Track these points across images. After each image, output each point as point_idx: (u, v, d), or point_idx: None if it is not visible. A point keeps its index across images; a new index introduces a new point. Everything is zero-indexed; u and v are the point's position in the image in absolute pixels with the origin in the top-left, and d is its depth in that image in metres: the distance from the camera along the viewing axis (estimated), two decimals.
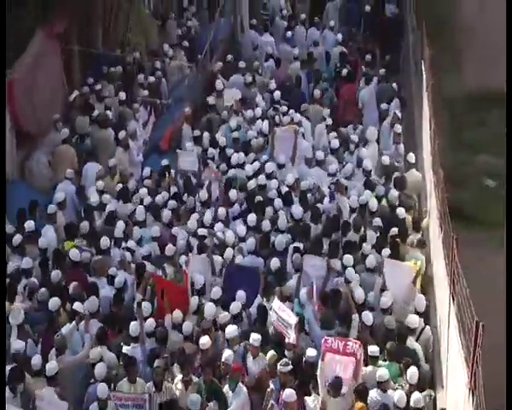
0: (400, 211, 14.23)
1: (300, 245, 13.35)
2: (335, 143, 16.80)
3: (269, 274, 12.80)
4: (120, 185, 14.98)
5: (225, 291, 12.35)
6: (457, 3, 25.68)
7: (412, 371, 10.62)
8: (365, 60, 20.19)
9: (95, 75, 18.43)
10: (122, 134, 16.23)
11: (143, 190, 14.80)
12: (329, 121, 17.70)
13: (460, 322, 9.55)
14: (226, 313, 11.83)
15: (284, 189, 14.97)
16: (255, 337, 11.10)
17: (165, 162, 15.76)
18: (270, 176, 15.29)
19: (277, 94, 18.55)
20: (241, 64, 19.80)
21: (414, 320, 11.80)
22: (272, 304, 11.71)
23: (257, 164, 15.69)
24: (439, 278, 12.24)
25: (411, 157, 15.78)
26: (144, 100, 17.76)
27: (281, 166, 15.77)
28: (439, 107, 16.09)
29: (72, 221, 14.11)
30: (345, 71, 19.91)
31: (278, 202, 14.50)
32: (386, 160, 15.97)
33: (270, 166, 15.52)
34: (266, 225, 13.80)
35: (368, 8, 23.18)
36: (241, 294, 12.19)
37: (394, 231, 13.63)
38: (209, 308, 11.88)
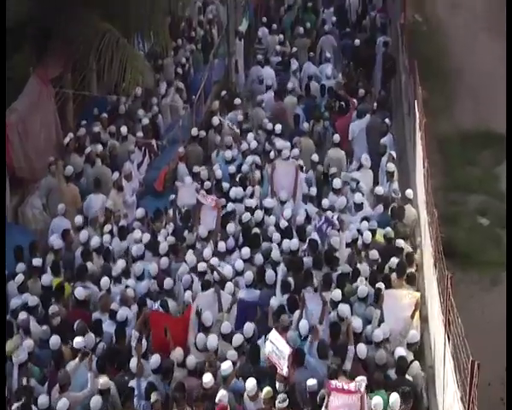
0: (399, 242, 14.30)
1: (290, 279, 13.32)
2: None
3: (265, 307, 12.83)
4: (110, 226, 14.96)
5: (237, 328, 12.40)
6: (448, 45, 26.00)
7: (395, 397, 10.60)
8: (358, 94, 20.28)
9: (89, 118, 18.51)
10: (116, 175, 16.31)
11: (137, 231, 14.78)
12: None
13: (455, 361, 9.58)
14: (234, 351, 11.85)
15: (283, 223, 14.95)
16: (250, 387, 11.03)
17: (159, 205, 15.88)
18: (268, 211, 15.34)
19: (277, 128, 18.54)
20: (237, 101, 19.95)
21: (401, 351, 11.83)
22: (269, 335, 11.66)
23: (254, 200, 15.71)
24: (433, 316, 12.28)
25: (409, 193, 15.81)
26: (139, 141, 17.84)
27: (282, 203, 15.80)
28: (432, 147, 16.21)
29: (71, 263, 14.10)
30: (338, 104, 20.12)
31: (276, 237, 14.52)
32: (380, 190, 16.01)
33: (269, 203, 15.56)
34: (259, 258, 13.83)
35: (357, 41, 23.41)
36: (248, 327, 12.20)
37: (393, 262, 13.68)
38: (212, 340, 11.89)
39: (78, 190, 16.38)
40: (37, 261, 13.64)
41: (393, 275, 13.49)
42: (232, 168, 16.81)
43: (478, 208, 18.39)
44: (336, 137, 18.15)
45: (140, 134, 18.11)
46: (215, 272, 13.47)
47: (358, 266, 13.72)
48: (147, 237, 14.42)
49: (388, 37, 24.08)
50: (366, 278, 13.35)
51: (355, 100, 19.77)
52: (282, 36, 24.43)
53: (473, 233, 17.61)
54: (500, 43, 25.43)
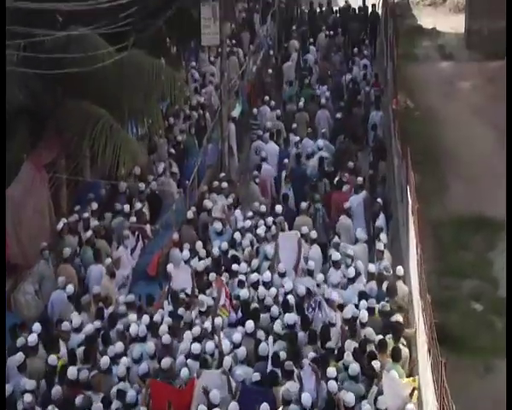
0: (396, 317, 14.38)
1: (281, 353, 13.29)
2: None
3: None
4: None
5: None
6: (441, 131, 26.32)
7: None
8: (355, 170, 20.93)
9: (83, 203, 18.58)
10: (108, 261, 16.29)
11: (132, 314, 14.72)
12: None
13: None
14: None
15: (282, 296, 15.05)
16: None
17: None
18: (266, 285, 15.37)
19: (278, 208, 18.87)
20: (224, 185, 20.15)
21: None
22: None
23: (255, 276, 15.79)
24: (428, 403, 12.17)
25: (400, 270, 15.90)
26: (132, 226, 17.87)
27: (283, 276, 15.83)
28: (425, 231, 16.25)
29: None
30: (334, 180, 20.62)
31: (274, 310, 14.54)
32: (372, 267, 16.11)
33: (267, 277, 15.59)
34: (259, 332, 13.93)
35: (339, 115, 24.37)
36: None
37: (376, 338, 13.68)
38: None
39: (74, 270, 16.42)
40: (32, 338, 13.54)
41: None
42: (225, 244, 16.95)
43: (471, 294, 18.33)
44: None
45: (133, 219, 18.14)
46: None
47: (347, 342, 13.74)
48: (146, 318, 14.36)
49: (380, 111, 24.78)
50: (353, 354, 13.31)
51: (346, 174, 20.36)
52: (279, 111, 25.13)
53: (466, 319, 17.52)
54: (492, 130, 25.82)
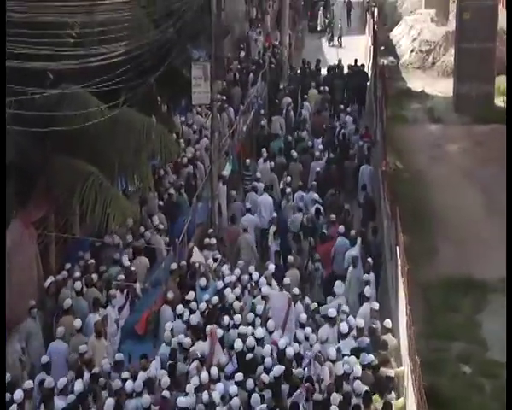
0: (386, 371, 14.54)
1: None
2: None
3: None
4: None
5: None
6: (430, 193, 26.46)
7: None
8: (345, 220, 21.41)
9: (72, 261, 18.51)
10: (96, 319, 16.15)
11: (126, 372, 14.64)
12: None
13: None
14: None
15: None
16: None
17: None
18: (259, 341, 15.43)
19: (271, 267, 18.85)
20: (212, 241, 20.30)
21: None
22: None
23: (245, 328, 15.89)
24: None
25: (388, 323, 16.04)
26: (121, 284, 17.78)
27: (271, 332, 15.97)
28: (414, 293, 16.24)
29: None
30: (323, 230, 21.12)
31: (268, 361, 14.70)
32: (361, 323, 16.13)
33: (260, 333, 15.65)
34: (250, 383, 14.12)
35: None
36: None
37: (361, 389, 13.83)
38: None
39: (73, 319, 16.43)
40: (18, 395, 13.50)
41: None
42: (215, 298, 17.03)
43: (460, 356, 18.27)
44: None
45: (121, 277, 18.06)
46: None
47: (333, 395, 13.83)
48: (143, 374, 14.32)
49: (370, 165, 25.26)
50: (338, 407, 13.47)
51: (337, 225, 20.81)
52: (272, 163, 25.46)
53: (455, 381, 17.46)
54: (480, 194, 26.00)
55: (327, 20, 50.40)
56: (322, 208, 22.39)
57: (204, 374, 14.22)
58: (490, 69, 35.72)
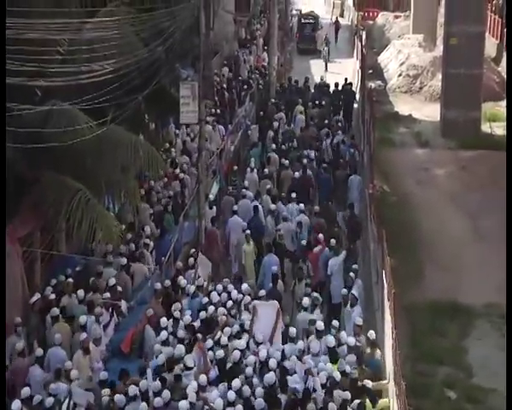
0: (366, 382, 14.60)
1: None
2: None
3: None
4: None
5: None
6: (416, 217, 26.54)
7: None
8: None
9: (57, 277, 18.37)
10: (83, 337, 16.03)
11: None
12: None
13: None
14: None
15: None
16: None
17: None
18: (243, 352, 15.51)
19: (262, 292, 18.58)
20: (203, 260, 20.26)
21: None
22: None
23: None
24: None
25: (372, 334, 16.06)
26: (106, 303, 17.66)
27: (258, 344, 15.92)
28: (400, 316, 16.23)
29: None
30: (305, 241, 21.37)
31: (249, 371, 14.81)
32: (351, 341, 16.11)
33: (243, 343, 15.75)
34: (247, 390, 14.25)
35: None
36: None
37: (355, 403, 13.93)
38: None
39: (69, 327, 16.61)
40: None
41: None
42: (202, 314, 17.06)
43: (445, 381, 18.23)
44: None
45: (107, 294, 17.94)
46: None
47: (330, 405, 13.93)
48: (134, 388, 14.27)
49: (359, 175, 26.01)
50: None
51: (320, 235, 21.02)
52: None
53: (440, 406, 17.44)
54: (466, 218, 26.11)
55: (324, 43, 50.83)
56: (306, 220, 22.58)
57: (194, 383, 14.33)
58: (476, 95, 35.94)
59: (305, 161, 26.32)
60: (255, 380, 14.66)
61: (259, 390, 14.29)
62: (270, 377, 14.41)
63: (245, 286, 18.52)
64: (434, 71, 43.62)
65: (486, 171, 29.44)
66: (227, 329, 16.44)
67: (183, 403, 13.77)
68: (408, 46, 48.89)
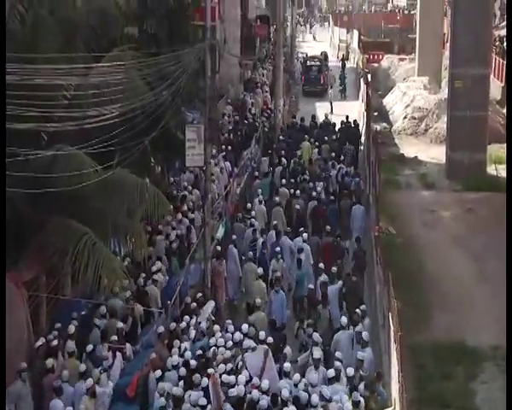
0: None
1: None
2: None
3: None
4: None
5: None
6: (423, 258, 26.49)
7: None
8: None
9: (63, 322, 18.34)
10: (89, 382, 15.96)
11: None
12: None
13: None
14: None
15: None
16: None
17: None
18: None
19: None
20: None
21: None
22: None
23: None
24: None
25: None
26: (112, 346, 17.63)
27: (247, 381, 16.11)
28: (407, 359, 16.14)
29: None
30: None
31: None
32: (351, 372, 16.29)
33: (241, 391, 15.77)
34: None
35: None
36: None
37: None
38: None
39: (78, 363, 16.73)
40: None
41: None
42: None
43: None
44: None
45: (114, 337, 17.91)
46: None
47: None
48: None
49: (362, 205, 27.32)
50: None
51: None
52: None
53: None
54: (472, 261, 26.08)
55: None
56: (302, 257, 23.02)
57: None
58: (482, 137, 36.04)
59: (313, 193, 27.50)
60: None
61: None
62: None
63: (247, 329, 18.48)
64: (439, 113, 43.78)
65: (492, 213, 29.45)
66: (222, 366, 16.56)
67: None
68: (413, 88, 49.16)
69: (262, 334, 18.11)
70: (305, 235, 24.13)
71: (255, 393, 15.33)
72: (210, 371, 16.01)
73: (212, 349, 17.38)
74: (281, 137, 36.44)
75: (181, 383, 16.07)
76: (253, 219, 25.70)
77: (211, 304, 20.28)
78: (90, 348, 17.43)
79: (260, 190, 28.22)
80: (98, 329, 18.54)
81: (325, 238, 24.88)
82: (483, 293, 23.70)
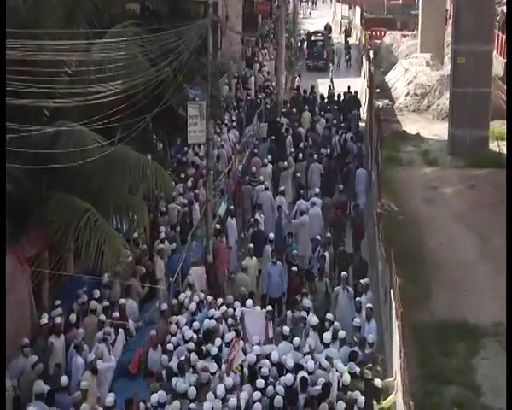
0: (377, 382, 15.07)
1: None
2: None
3: None
4: None
5: None
6: (424, 235, 26.48)
7: None
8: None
9: (65, 298, 18.39)
10: (91, 357, 16.04)
11: None
12: None
13: None
14: None
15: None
16: None
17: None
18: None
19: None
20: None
21: None
22: None
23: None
24: None
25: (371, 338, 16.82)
26: (114, 322, 17.67)
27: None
28: (409, 336, 16.18)
29: None
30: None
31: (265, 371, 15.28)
32: (342, 334, 16.83)
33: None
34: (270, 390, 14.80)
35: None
36: None
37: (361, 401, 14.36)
38: None
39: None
40: None
41: None
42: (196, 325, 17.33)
43: (454, 400, 18.11)
44: None
45: (116, 314, 17.95)
46: None
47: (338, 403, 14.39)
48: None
49: (365, 169, 28.46)
50: None
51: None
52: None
53: None
54: (474, 237, 26.04)
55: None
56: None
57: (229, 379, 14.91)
58: (484, 114, 35.93)
59: (315, 156, 29.11)
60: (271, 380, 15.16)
61: (280, 389, 14.61)
62: (289, 379, 14.84)
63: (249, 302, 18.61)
64: (442, 90, 43.68)
65: (494, 189, 29.41)
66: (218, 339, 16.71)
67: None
68: (415, 65, 48.98)
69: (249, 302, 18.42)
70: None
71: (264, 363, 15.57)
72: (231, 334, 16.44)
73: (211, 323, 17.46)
74: (283, 110, 36.80)
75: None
76: (261, 178, 27.02)
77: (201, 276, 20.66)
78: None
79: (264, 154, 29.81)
80: None
81: (338, 197, 26.68)
82: (485, 269, 23.70)
